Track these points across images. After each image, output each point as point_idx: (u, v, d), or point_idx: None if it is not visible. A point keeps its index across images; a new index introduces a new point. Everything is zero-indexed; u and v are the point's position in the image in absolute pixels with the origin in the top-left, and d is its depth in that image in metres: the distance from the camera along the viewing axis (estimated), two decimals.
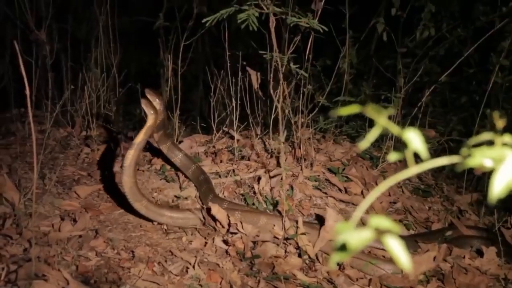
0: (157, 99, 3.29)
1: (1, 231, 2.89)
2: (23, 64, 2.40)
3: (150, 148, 4.28)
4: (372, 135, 0.87)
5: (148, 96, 3.23)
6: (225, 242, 3.00)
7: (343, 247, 0.80)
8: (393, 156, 0.88)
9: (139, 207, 3.04)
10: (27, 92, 2.24)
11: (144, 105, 3.09)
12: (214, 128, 4.26)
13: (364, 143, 0.88)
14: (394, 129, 0.87)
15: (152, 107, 3.11)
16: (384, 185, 0.87)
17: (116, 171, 3.90)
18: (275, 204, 3.43)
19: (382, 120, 0.86)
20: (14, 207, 3.14)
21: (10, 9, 5.02)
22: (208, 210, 3.02)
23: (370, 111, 0.86)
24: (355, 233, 0.80)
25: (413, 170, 0.88)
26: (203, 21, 3.47)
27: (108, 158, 4.13)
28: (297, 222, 3.03)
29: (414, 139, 0.85)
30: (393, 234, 0.79)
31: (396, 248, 0.78)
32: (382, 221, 0.81)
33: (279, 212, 3.28)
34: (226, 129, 4.30)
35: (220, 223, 3.03)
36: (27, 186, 3.51)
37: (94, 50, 4.83)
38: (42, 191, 3.42)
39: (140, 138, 3.06)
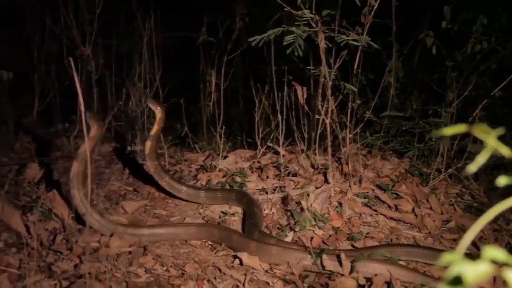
0: (159, 107, 3.51)
1: (51, 246, 2.89)
2: (72, 79, 2.38)
3: (193, 164, 4.27)
4: (483, 157, 0.80)
5: (152, 103, 3.56)
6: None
7: (456, 281, 0.73)
8: (503, 180, 0.82)
9: (163, 183, 3.54)
10: (82, 108, 2.23)
11: (151, 104, 3.54)
12: (259, 144, 4.22)
13: (473, 167, 0.82)
14: (504, 150, 0.80)
15: (159, 105, 3.50)
16: (496, 210, 0.81)
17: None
18: (324, 221, 3.37)
19: (491, 141, 0.80)
20: (64, 222, 3.14)
21: (56, 25, 5.10)
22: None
23: (479, 131, 0.80)
24: (470, 266, 0.73)
25: None
26: (250, 40, 3.46)
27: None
28: (339, 257, 2.85)
29: None
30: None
31: None
32: (497, 253, 0.74)
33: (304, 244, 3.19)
34: (271, 144, 4.25)
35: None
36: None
37: (138, 65, 4.85)
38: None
39: (155, 130, 3.50)
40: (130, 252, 2.92)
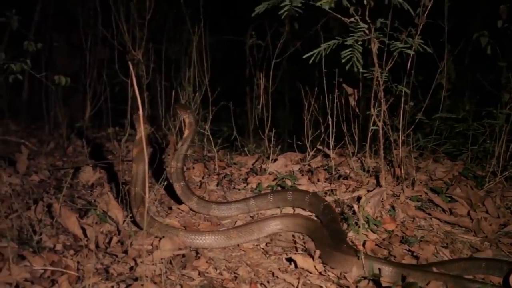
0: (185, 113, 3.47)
1: (107, 249, 2.93)
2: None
3: (243, 167, 4.28)
4: None
5: (180, 109, 3.50)
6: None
7: None
8: None
9: (177, 187, 3.47)
10: (140, 113, 2.25)
11: (179, 110, 3.49)
12: (308, 146, 4.20)
13: None
14: None
15: (184, 110, 3.45)
16: None
17: (212, 189, 3.91)
18: (377, 224, 3.33)
19: None
20: (118, 225, 3.19)
21: (107, 30, 5.20)
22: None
23: None
24: None
25: None
26: (305, 56, 3.46)
27: (203, 176, 4.15)
28: (405, 279, 2.75)
29: None
30: None
31: None
32: None
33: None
34: (320, 147, 4.23)
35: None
36: (127, 204, 3.57)
37: (188, 69, 4.89)
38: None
39: (186, 133, 3.46)
40: (183, 255, 2.94)
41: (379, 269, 2.77)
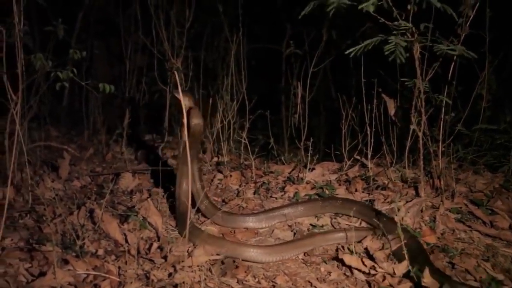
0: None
1: (147, 255, 2.97)
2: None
3: (279, 176, 4.29)
4: None
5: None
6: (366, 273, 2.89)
7: None
8: None
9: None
10: (184, 121, 2.28)
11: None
12: (346, 156, 4.19)
13: None
14: None
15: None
16: None
17: (249, 197, 3.92)
18: (417, 236, 3.29)
19: None
20: (158, 231, 3.23)
21: (147, 38, 5.28)
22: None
23: None
24: None
25: None
26: (347, 52, 3.45)
27: (240, 184, 4.17)
28: None
29: None
30: None
31: None
32: None
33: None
34: (358, 157, 4.22)
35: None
36: (165, 211, 3.61)
37: (226, 77, 4.93)
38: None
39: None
40: (222, 262, 2.95)
41: None
